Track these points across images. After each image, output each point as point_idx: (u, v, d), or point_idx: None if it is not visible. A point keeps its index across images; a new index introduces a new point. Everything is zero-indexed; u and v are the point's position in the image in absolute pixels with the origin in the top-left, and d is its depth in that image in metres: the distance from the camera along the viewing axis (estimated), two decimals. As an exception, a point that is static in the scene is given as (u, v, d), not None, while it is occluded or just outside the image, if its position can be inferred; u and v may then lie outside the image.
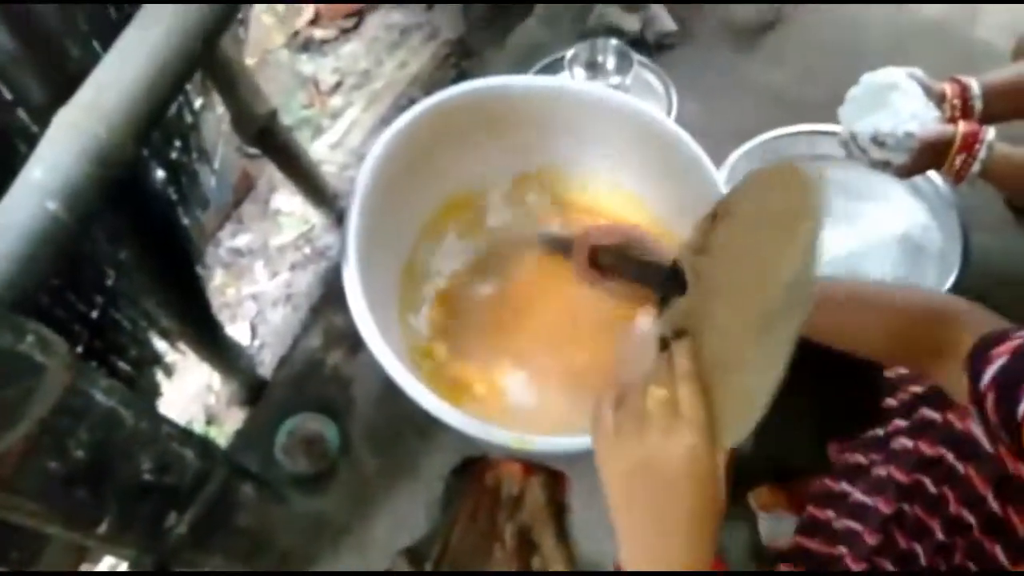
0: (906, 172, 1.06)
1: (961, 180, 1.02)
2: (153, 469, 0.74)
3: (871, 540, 0.75)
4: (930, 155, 1.02)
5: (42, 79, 0.78)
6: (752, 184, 0.59)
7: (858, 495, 0.78)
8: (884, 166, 1.06)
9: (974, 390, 0.58)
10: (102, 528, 0.70)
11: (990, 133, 1.00)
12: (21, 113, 0.79)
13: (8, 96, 0.78)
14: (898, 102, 1.04)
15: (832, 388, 0.82)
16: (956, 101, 1.07)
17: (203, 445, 0.82)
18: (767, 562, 1.13)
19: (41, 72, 0.78)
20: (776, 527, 1.12)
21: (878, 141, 1.04)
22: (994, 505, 0.62)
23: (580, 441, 0.99)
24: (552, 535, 1.17)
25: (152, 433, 0.73)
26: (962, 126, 1.00)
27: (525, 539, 1.17)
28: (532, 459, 1.20)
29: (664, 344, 0.61)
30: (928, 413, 0.73)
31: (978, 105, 1.07)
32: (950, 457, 0.68)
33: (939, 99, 1.07)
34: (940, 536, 0.68)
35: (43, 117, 0.74)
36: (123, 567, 1.22)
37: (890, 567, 0.74)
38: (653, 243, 0.87)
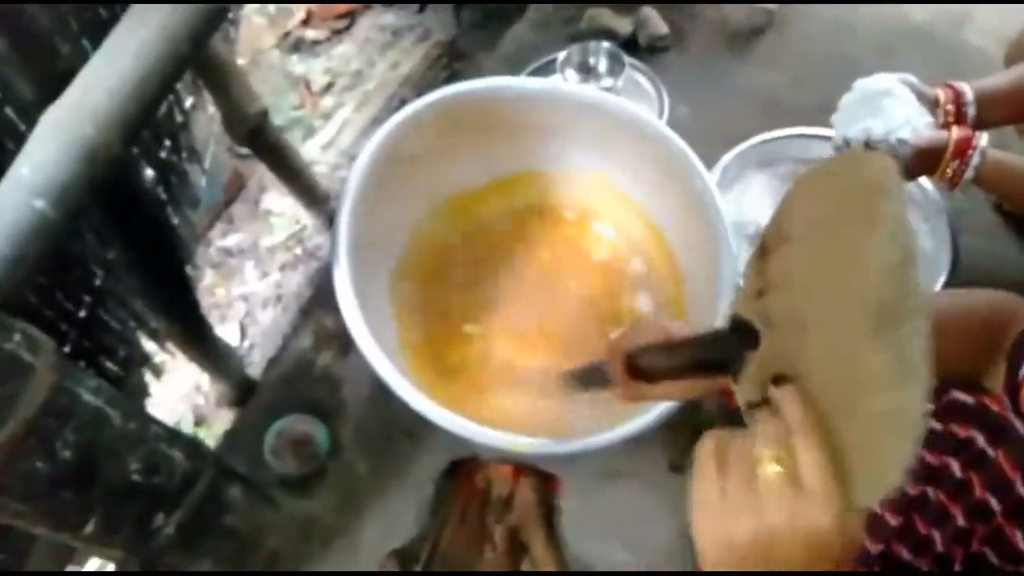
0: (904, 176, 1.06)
1: (954, 186, 1.03)
2: (141, 470, 0.73)
3: (893, 521, 0.74)
4: (923, 161, 1.02)
5: (31, 77, 0.77)
6: (798, 197, 0.53)
7: None
8: None
9: (1010, 379, 0.57)
10: (88, 529, 0.70)
11: (983, 139, 1.00)
12: (9, 111, 0.78)
13: (-4, 94, 0.77)
14: (891, 108, 1.04)
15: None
16: (950, 107, 1.07)
17: (191, 446, 0.82)
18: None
19: (30, 70, 0.77)
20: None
21: (871, 147, 1.04)
22: (1022, 490, 0.61)
23: (571, 443, 0.99)
24: (542, 537, 1.17)
25: (140, 433, 0.72)
26: (955, 132, 1.01)
27: (515, 541, 1.17)
28: (522, 460, 1.20)
29: (754, 405, 0.51)
30: (960, 396, 0.72)
31: (971, 111, 1.08)
32: (981, 440, 0.66)
33: (932, 104, 1.08)
34: (961, 521, 0.67)
35: (31, 115, 0.74)
36: (110, 568, 1.21)
37: (905, 553, 0.73)
38: (682, 327, 0.77)
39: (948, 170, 1.01)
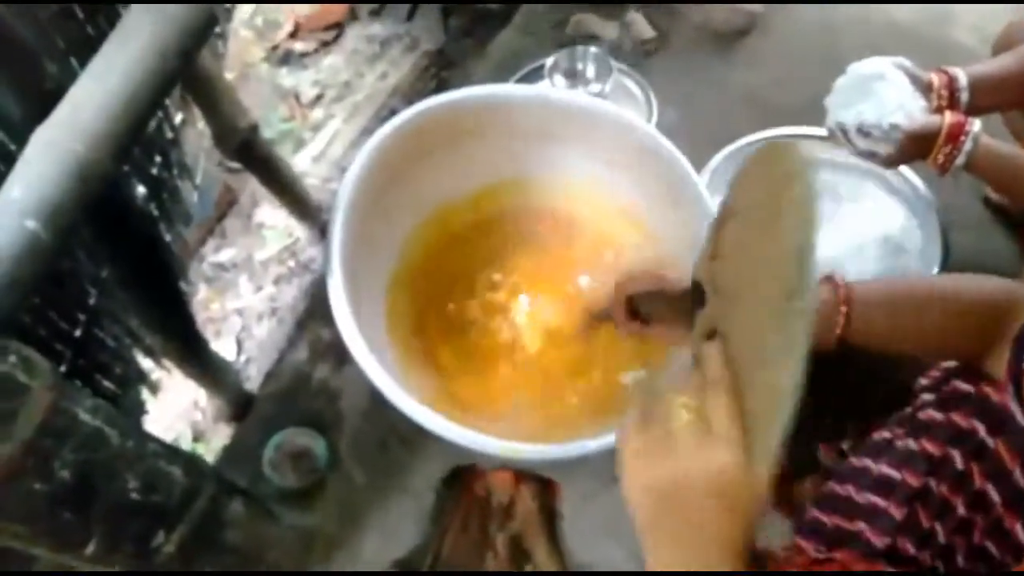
0: (892, 162, 1.07)
1: (945, 171, 1.02)
2: (140, 488, 0.73)
3: (897, 514, 0.74)
4: (916, 146, 1.03)
5: (19, 96, 0.77)
6: (742, 175, 0.58)
7: (884, 468, 0.77)
8: (870, 156, 1.07)
9: (1014, 365, 0.58)
10: (89, 549, 0.69)
11: (976, 125, 1.00)
12: (-2, 132, 0.79)
13: (-16, 115, 0.77)
14: (884, 92, 1.04)
15: (823, 389, 0.82)
16: (943, 91, 1.07)
17: (190, 462, 0.82)
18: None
19: (17, 89, 0.77)
20: (768, 529, 1.12)
21: (863, 131, 1.05)
22: (1021, 481, 0.62)
23: (569, 448, 0.98)
24: (544, 543, 1.17)
25: (138, 452, 0.72)
26: (948, 117, 1.00)
27: (518, 548, 1.17)
28: (522, 467, 1.20)
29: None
30: (961, 385, 0.73)
31: (964, 96, 1.07)
32: (982, 430, 0.67)
33: (926, 89, 1.07)
34: (962, 511, 0.68)
35: (21, 135, 0.74)
36: None
37: (910, 547, 0.73)
38: (678, 279, 0.82)
39: (940, 155, 1.01)
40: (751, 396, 0.50)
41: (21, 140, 0.73)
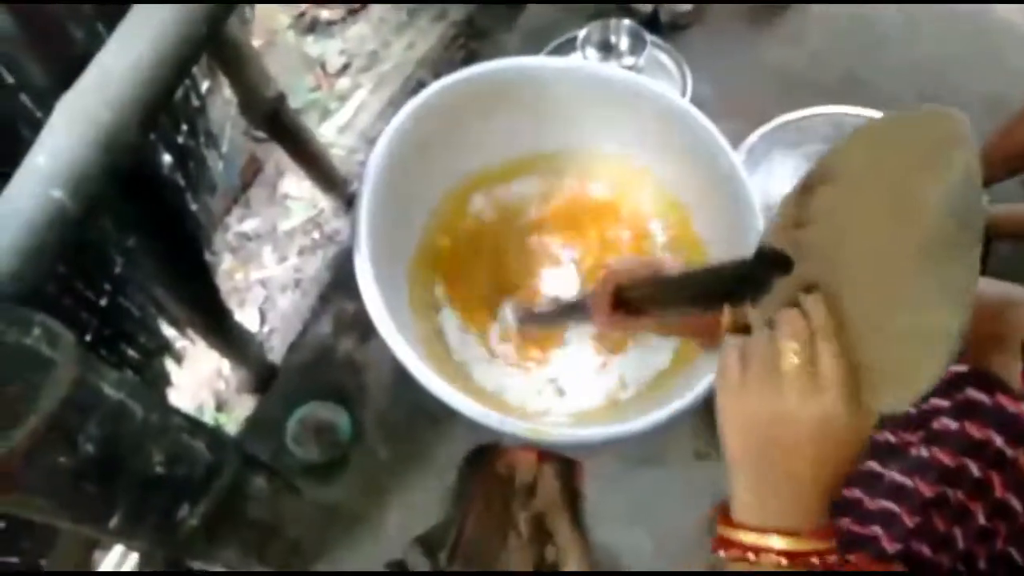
0: None
1: None
2: (164, 462, 0.72)
3: (910, 522, 0.73)
4: None
5: (45, 63, 0.76)
6: (855, 141, 0.55)
7: (896, 476, 0.76)
8: None
9: None
10: (114, 522, 0.69)
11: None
12: (24, 98, 0.77)
13: (11, 80, 0.76)
14: None
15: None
16: None
17: (214, 436, 0.81)
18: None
19: (44, 56, 0.76)
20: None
21: None
22: None
23: (595, 431, 0.98)
24: (567, 523, 1.16)
25: (162, 425, 0.72)
26: None
27: (540, 527, 1.16)
28: (547, 448, 1.19)
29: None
30: (975, 395, 0.71)
31: None
32: (999, 441, 0.66)
33: None
34: (982, 520, 0.66)
35: (47, 102, 0.72)
36: (131, 559, 1.21)
37: (926, 551, 0.72)
38: (673, 263, 0.81)
39: None
40: (875, 347, 0.49)
41: (47, 107, 0.71)
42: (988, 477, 0.67)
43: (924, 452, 0.74)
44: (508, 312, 1.16)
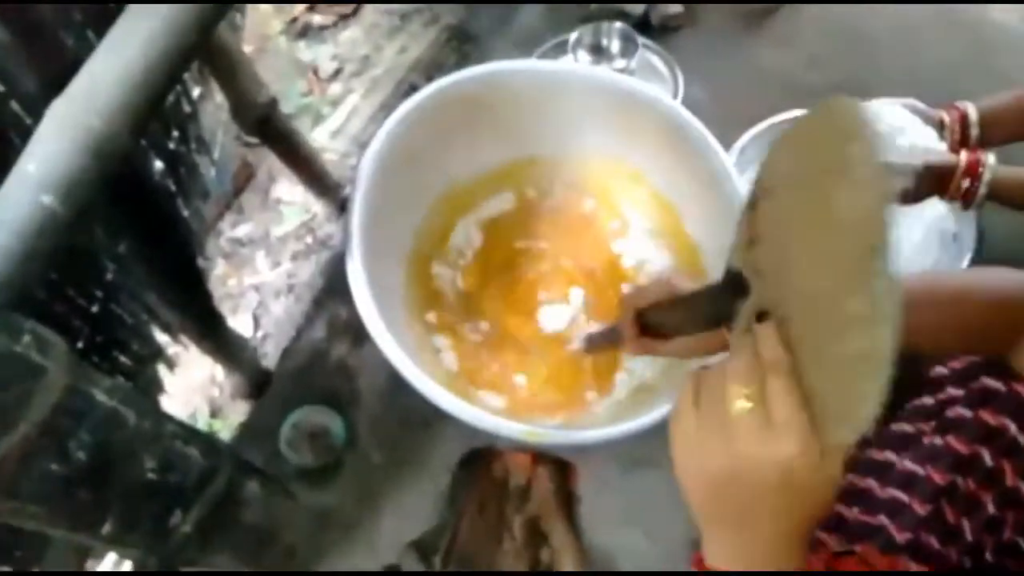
0: (908, 199, 1.06)
1: (969, 203, 1.03)
2: (157, 468, 0.72)
3: (921, 511, 0.73)
4: (934, 180, 1.03)
5: (35, 70, 0.76)
6: (779, 149, 0.53)
7: (908, 464, 0.76)
8: None
9: None
10: (106, 529, 0.69)
11: (991, 158, 1.01)
12: (14, 105, 0.77)
13: (0, 88, 0.76)
14: (905, 145, 1.05)
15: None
16: (956, 127, 1.09)
17: (208, 443, 0.81)
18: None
19: (34, 63, 0.75)
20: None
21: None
22: None
23: (590, 434, 0.97)
24: (562, 526, 1.16)
25: (155, 432, 0.71)
26: (964, 155, 1.02)
27: (535, 530, 1.16)
28: (540, 449, 1.19)
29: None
30: (990, 383, 0.71)
31: (975, 132, 1.09)
32: (1013, 428, 0.66)
33: (938, 126, 1.10)
34: (991, 509, 0.67)
35: (37, 109, 0.72)
36: (126, 565, 1.21)
37: (934, 542, 0.72)
38: (687, 284, 0.77)
39: (961, 187, 1.02)
40: (821, 374, 0.46)
41: (37, 114, 0.71)
42: (1000, 465, 0.67)
43: (938, 440, 0.73)
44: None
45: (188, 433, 0.77)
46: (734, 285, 0.55)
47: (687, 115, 1.11)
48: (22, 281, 0.63)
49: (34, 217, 0.65)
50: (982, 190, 1.01)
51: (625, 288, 0.85)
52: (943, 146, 1.05)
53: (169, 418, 0.76)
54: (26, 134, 0.70)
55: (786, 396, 0.46)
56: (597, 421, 1.07)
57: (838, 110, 0.46)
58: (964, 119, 1.10)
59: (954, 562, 0.71)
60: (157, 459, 0.71)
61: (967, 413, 0.72)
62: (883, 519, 0.76)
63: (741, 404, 0.47)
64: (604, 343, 0.99)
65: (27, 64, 0.75)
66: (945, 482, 0.71)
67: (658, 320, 0.78)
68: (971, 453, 0.70)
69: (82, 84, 0.70)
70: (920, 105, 1.10)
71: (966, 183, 1.01)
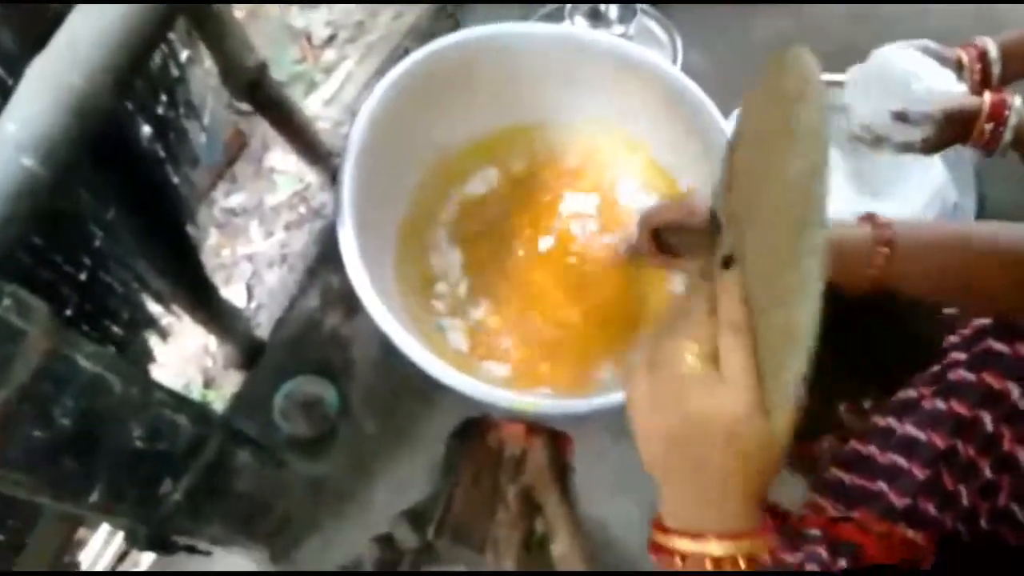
0: (930, 147, 0.99)
1: (992, 149, 0.96)
2: (145, 436, 0.71)
3: (920, 475, 0.72)
4: (956, 127, 0.96)
5: (15, 27, 0.73)
6: (749, 96, 0.53)
7: (909, 429, 0.75)
8: (906, 148, 1.00)
9: None
10: (94, 498, 0.68)
11: (1017, 100, 0.94)
12: (-6, 64, 0.75)
13: (-22, 46, 0.74)
14: (922, 90, 0.97)
15: (846, 348, 0.79)
16: (976, 66, 1.02)
17: (198, 411, 0.80)
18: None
19: (13, 19, 0.73)
20: (783, 489, 1.10)
21: (900, 117, 0.97)
22: None
23: (584, 403, 0.97)
24: (555, 496, 1.15)
25: (143, 400, 0.70)
26: (988, 96, 0.94)
27: (528, 501, 1.15)
28: (534, 420, 1.18)
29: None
30: (995, 345, 0.70)
31: (997, 69, 1.02)
32: (1016, 393, 0.65)
33: (956, 68, 1.02)
34: (988, 474, 0.66)
35: (17, 68, 0.70)
36: (117, 540, 1.21)
37: (932, 509, 0.72)
38: (703, 206, 0.77)
39: (984, 132, 0.94)
40: (767, 337, 0.46)
41: (17, 73, 0.69)
42: (999, 431, 0.66)
43: (940, 404, 0.72)
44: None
45: (177, 401, 0.76)
46: (711, 224, 0.56)
47: (687, 81, 1.09)
48: (2, 244, 0.62)
49: (14, 179, 0.64)
50: (1007, 136, 0.94)
51: (644, 207, 0.86)
52: (963, 88, 0.98)
53: (157, 386, 0.75)
54: (7, 94, 0.68)
55: (738, 355, 0.46)
56: (603, 390, 1.06)
57: (790, 64, 0.45)
58: (984, 56, 1.02)
59: (949, 529, 0.71)
60: (145, 427, 0.70)
61: (970, 376, 0.71)
62: (882, 485, 0.76)
63: (692, 360, 0.47)
64: (632, 255, 1.01)
65: (7, 22, 0.73)
66: (945, 446, 0.71)
67: (672, 240, 0.81)
68: (972, 416, 0.69)
69: (62, 42, 0.68)
70: (934, 46, 1.03)
71: (990, 127, 0.94)
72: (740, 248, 0.51)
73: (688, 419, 0.47)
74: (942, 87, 0.97)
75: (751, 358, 0.46)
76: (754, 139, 0.51)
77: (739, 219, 0.52)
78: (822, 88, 0.43)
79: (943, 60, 1.01)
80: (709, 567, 0.48)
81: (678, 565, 0.49)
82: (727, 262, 0.50)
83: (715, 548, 0.48)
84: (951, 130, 0.97)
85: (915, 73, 0.98)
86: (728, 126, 1.09)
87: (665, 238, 0.82)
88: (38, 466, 0.62)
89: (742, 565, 0.48)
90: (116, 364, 0.66)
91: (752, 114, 0.52)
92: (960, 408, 0.70)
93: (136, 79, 0.76)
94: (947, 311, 0.81)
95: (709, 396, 0.46)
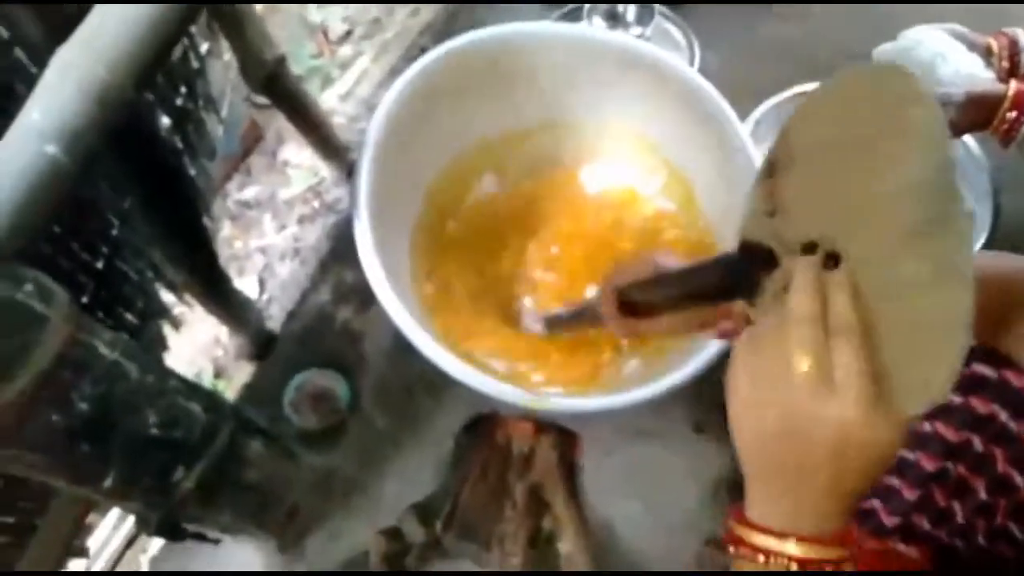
0: (953, 129, 1.00)
1: (1010, 140, 0.95)
2: (159, 423, 0.72)
3: (909, 495, 0.73)
4: (978, 111, 0.95)
5: (40, 17, 0.74)
6: (805, 117, 0.52)
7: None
8: None
9: None
10: (108, 482, 0.69)
11: None
12: (19, 52, 0.76)
13: (5, 35, 0.74)
14: (948, 72, 0.97)
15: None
16: (1004, 54, 1.01)
17: (211, 399, 0.81)
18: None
19: (39, 10, 0.74)
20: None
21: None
22: None
23: (593, 401, 0.97)
24: (563, 495, 1.16)
25: (158, 386, 0.71)
26: (1014, 84, 0.93)
27: (536, 498, 1.16)
28: (543, 418, 1.19)
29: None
30: (981, 369, 0.70)
31: None
32: (1003, 416, 0.65)
33: (985, 54, 1.01)
34: (983, 495, 0.66)
35: (42, 57, 0.71)
36: (126, 526, 1.22)
37: (926, 524, 0.72)
38: (671, 259, 0.75)
39: (1006, 120, 0.93)
40: (886, 341, 0.45)
41: (42, 62, 0.70)
42: (991, 452, 0.66)
43: (927, 427, 0.73)
44: (531, 322, 1.13)
45: (190, 389, 0.77)
46: (752, 256, 0.54)
47: (704, 83, 1.09)
48: (25, 232, 0.63)
49: (38, 167, 0.64)
50: None
51: (609, 267, 0.82)
52: (990, 74, 0.96)
53: (171, 373, 0.75)
54: (31, 83, 0.69)
55: (851, 359, 0.45)
56: (613, 389, 1.06)
57: (891, 75, 0.45)
58: (1014, 45, 1.01)
59: (944, 543, 0.71)
60: (159, 413, 0.71)
61: (957, 399, 0.70)
62: (875, 503, 0.76)
63: (802, 362, 0.45)
64: (571, 324, 0.98)
65: (32, 11, 0.74)
66: (935, 468, 0.71)
67: (645, 297, 0.75)
68: (961, 440, 0.69)
69: (87, 32, 0.69)
70: (963, 30, 1.01)
71: (1012, 115, 0.93)
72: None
73: (795, 419, 0.46)
74: (968, 70, 0.96)
75: (864, 364, 0.45)
76: (826, 150, 0.50)
77: (798, 240, 0.51)
78: (931, 88, 0.44)
79: (972, 45, 1.00)
80: (794, 568, 0.47)
81: (759, 562, 0.48)
82: (831, 257, 0.49)
83: (802, 550, 0.47)
84: (974, 114, 0.95)
85: (943, 55, 0.97)
86: (745, 129, 1.09)
87: (633, 297, 0.77)
88: (56, 450, 0.62)
89: (826, 568, 0.47)
90: (132, 351, 0.67)
91: (818, 127, 0.51)
92: (947, 432, 0.70)
93: (158, 70, 0.77)
94: None
95: (820, 398, 0.45)
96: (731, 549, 0.50)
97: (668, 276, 0.72)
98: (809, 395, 0.45)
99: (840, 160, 0.48)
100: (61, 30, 0.70)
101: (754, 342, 0.50)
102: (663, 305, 0.74)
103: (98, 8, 0.70)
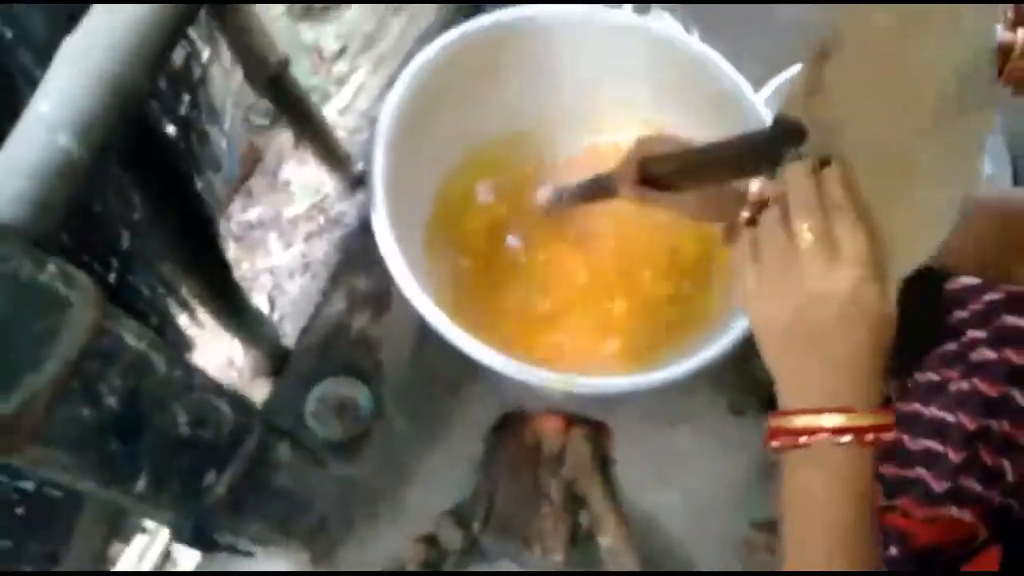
0: None
1: (1022, 88, 0.96)
2: (189, 422, 0.69)
3: (955, 458, 0.71)
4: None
5: (45, 16, 0.73)
6: (861, 6, 0.53)
7: (936, 412, 0.74)
8: None
9: None
10: (140, 484, 0.66)
11: None
12: (23, 53, 0.74)
13: (8, 35, 0.73)
14: None
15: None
16: (1008, 6, 1.02)
17: (238, 399, 0.78)
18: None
19: (44, 8, 0.72)
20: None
21: None
22: None
23: (624, 381, 0.95)
24: (599, 488, 1.13)
25: (186, 382, 0.68)
26: (1021, 32, 0.95)
27: (571, 494, 1.13)
28: (572, 410, 1.16)
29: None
30: (1012, 320, 0.69)
31: None
32: None
33: None
34: None
35: (47, 56, 0.69)
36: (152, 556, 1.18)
37: (976, 485, 0.70)
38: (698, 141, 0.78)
39: (1017, 69, 0.95)
40: (889, 216, 0.48)
41: (46, 63, 0.68)
42: None
43: (965, 385, 0.72)
44: (544, 192, 1.13)
45: (217, 387, 0.75)
46: (786, 132, 0.56)
47: (719, 59, 1.09)
48: (43, 226, 0.60)
49: (50, 159, 0.62)
50: None
51: (638, 136, 0.85)
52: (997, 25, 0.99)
53: (197, 369, 0.73)
54: (36, 84, 0.67)
55: (852, 227, 0.47)
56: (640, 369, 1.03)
57: None
58: None
59: (997, 504, 0.69)
60: (189, 411, 0.68)
61: (991, 354, 0.70)
62: (920, 471, 0.75)
63: (805, 237, 0.48)
64: (586, 195, 0.99)
65: (37, 9, 0.73)
66: (977, 427, 0.70)
67: (668, 169, 0.78)
68: (1000, 394, 0.68)
69: (93, 22, 0.68)
70: None
71: (1022, 64, 0.94)
72: (832, 142, 0.52)
73: (804, 299, 0.47)
74: None
75: (869, 235, 0.47)
76: (873, 38, 0.51)
77: (831, 119, 0.53)
78: None
79: None
80: (838, 440, 0.47)
81: (800, 444, 0.48)
82: (823, 161, 0.51)
83: (835, 420, 0.47)
84: None
85: None
86: (764, 110, 1.07)
87: (652, 170, 0.80)
88: (86, 447, 0.59)
89: (871, 440, 0.47)
90: (159, 344, 0.64)
91: (861, 25, 0.52)
92: (986, 387, 0.70)
93: (165, 62, 0.75)
94: (951, 285, 0.79)
95: (828, 270, 0.47)
96: (773, 445, 0.50)
97: (695, 150, 0.75)
98: (815, 265, 0.47)
99: (885, 40, 0.50)
100: (66, 26, 0.68)
101: (754, 242, 0.52)
102: (679, 178, 0.77)
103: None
